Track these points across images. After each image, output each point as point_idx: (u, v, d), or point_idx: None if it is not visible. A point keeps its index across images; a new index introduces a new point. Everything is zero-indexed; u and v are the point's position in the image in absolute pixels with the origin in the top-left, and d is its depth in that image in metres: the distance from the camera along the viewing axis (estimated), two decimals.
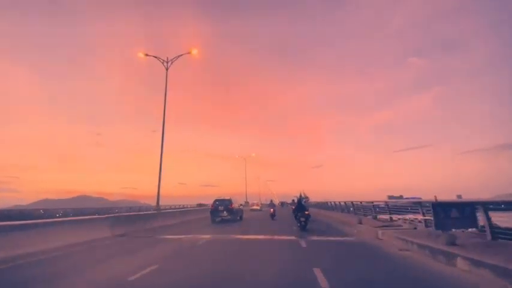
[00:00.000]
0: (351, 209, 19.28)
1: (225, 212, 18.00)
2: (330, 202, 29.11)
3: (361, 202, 18.72)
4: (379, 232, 9.28)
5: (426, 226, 9.03)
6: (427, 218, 8.97)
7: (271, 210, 20.10)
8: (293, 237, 10.08)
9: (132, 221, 13.53)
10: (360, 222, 11.91)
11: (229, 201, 18.63)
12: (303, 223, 12.00)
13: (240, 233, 11.84)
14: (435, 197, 10.94)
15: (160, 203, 18.10)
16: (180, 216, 19.62)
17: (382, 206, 15.38)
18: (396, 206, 13.09)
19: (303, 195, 15.51)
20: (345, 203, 21.36)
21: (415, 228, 9.67)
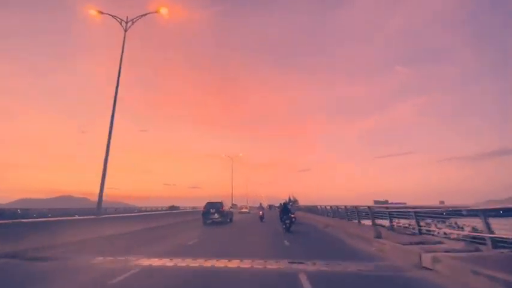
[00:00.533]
0: (348, 213, 17.42)
1: (216, 215, 18.63)
2: (323, 206, 25.49)
3: (356, 207, 16.58)
4: (425, 257, 5.68)
5: (495, 247, 5.80)
6: (496, 235, 5.85)
7: (260, 212, 21.11)
8: (287, 268, 5.80)
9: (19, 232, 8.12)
10: (379, 236, 8.53)
11: (220, 204, 19.49)
12: (287, 225, 13.18)
13: (212, 254, 7.26)
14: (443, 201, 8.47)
15: (144, 205, 17.62)
16: (133, 224, 14.39)
17: (383, 211, 12.86)
18: (432, 213, 8.94)
19: (292, 199, 23.22)
20: (345, 207, 18.48)
21: (479, 251, 6.08)
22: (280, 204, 17.58)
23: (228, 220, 19.88)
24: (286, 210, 13.65)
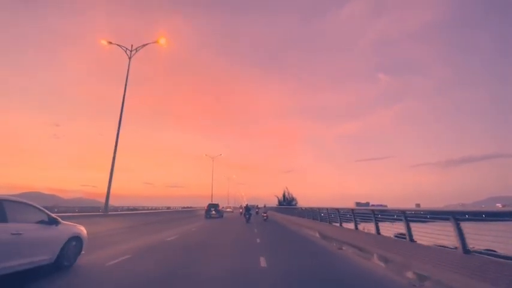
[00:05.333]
0: (332, 215, 16.04)
1: (214, 212, 27.80)
2: (303, 208, 25.39)
3: (351, 210, 16.57)
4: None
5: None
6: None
7: (240, 210, 29.31)
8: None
9: None
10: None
11: (217, 205, 29.86)
12: (247, 218, 20.75)
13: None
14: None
15: (124, 204, 17.99)
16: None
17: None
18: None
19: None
20: (327, 209, 17.02)
21: None
22: (247, 205, 24.56)
23: (221, 216, 29.07)
24: (248, 209, 21.71)
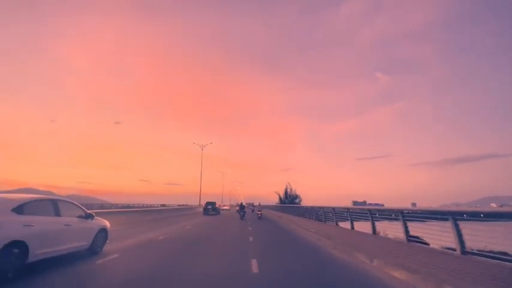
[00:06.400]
0: (328, 214, 15.89)
1: (211, 209, 30.71)
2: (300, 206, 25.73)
3: (333, 208, 15.33)
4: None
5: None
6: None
7: (237, 208, 30.00)
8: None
9: None
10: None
11: (214, 203, 32.69)
12: (241, 215, 23.02)
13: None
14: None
15: (119, 201, 17.98)
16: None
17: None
18: None
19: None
20: (322, 208, 17.00)
21: None
22: (241, 203, 26.94)
23: (218, 213, 31.74)
24: (242, 207, 24.37)
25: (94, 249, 6.61)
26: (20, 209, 4.87)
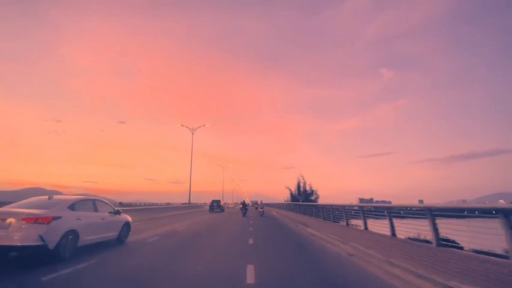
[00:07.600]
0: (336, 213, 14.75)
1: (216, 207, 34.10)
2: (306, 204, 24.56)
3: (343, 206, 14.24)
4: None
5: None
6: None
7: (241, 206, 31.15)
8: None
9: None
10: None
11: (219, 201, 36.12)
12: (244, 212, 24.77)
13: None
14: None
15: (124, 200, 18.65)
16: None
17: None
18: None
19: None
20: (331, 206, 15.82)
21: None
22: (244, 201, 28.81)
23: (222, 210, 35.07)
24: (245, 205, 25.77)
25: (121, 239, 8.15)
26: (73, 206, 6.53)
